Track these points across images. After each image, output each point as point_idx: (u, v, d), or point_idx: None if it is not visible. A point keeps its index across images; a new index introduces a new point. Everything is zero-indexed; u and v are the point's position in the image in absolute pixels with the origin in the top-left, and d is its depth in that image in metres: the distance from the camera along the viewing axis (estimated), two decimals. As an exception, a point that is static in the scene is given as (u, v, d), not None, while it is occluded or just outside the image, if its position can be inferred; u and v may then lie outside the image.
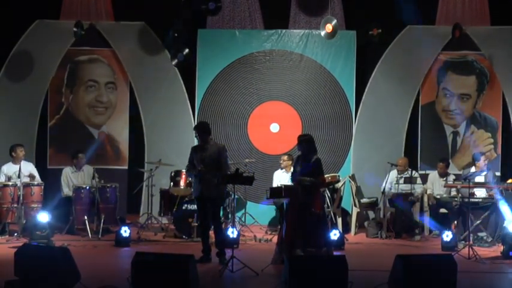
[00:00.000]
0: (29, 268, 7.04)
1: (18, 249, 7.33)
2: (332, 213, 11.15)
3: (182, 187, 10.87)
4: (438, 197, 11.27)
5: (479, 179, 10.61)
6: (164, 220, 11.50)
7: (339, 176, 11.46)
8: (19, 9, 12.25)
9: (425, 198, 11.41)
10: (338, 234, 9.80)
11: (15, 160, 10.93)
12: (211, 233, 9.05)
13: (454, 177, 11.37)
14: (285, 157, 11.48)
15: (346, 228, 11.21)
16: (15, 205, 10.51)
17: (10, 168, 10.92)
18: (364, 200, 11.72)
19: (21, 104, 12.44)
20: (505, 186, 10.45)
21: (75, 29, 11.94)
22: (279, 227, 9.80)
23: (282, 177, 11.35)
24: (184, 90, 12.56)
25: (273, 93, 12.62)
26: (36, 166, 11.50)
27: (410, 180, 11.11)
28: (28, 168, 11.00)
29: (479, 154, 11.18)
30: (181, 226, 10.58)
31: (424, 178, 11.65)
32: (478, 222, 10.41)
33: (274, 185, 11.05)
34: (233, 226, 9.46)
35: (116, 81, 12.82)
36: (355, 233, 11.32)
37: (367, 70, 12.55)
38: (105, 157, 12.71)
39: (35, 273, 6.96)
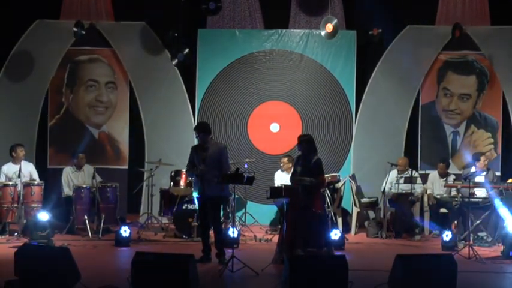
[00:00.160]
0: (29, 268, 7.04)
1: (18, 249, 7.33)
2: (332, 213, 11.15)
3: (182, 187, 10.86)
4: (438, 197, 11.27)
5: (479, 179, 10.61)
6: (164, 220, 11.50)
7: (339, 175, 11.47)
8: (19, 9, 12.25)
9: (426, 198, 11.41)
10: (339, 234, 9.80)
11: (16, 160, 10.93)
12: (212, 232, 9.06)
13: (454, 177, 11.38)
14: (285, 159, 11.47)
15: (346, 228, 11.21)
16: (16, 205, 10.52)
17: (10, 168, 10.92)
18: (364, 200, 11.72)
19: (22, 103, 12.45)
20: (505, 186, 10.44)
21: (75, 29, 11.94)
22: (279, 227, 9.80)
23: (283, 178, 11.34)
24: (185, 90, 12.56)
25: (273, 93, 12.62)
26: (36, 166, 11.51)
27: (410, 180, 11.11)
28: (28, 168, 11.01)
29: (478, 154, 11.18)
30: (181, 226, 10.58)
31: (424, 178, 11.65)
32: (478, 222, 10.42)
33: (276, 185, 11.04)
34: (233, 226, 9.46)
35: (116, 81, 12.82)
36: (355, 233, 11.32)
37: (367, 70, 12.56)
38: (105, 157, 12.71)
39: (35, 273, 6.95)
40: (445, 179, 11.34)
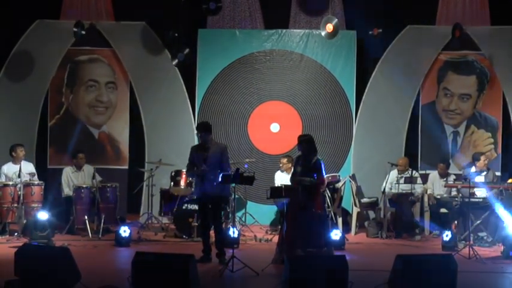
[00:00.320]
0: (29, 268, 7.03)
1: (18, 249, 7.32)
2: (332, 213, 11.15)
3: (182, 187, 10.86)
4: (438, 197, 11.27)
5: (479, 179, 10.60)
6: (164, 220, 11.50)
7: (339, 175, 11.47)
8: (19, 9, 12.25)
9: (426, 198, 11.41)
10: (340, 235, 9.80)
11: (16, 160, 10.93)
12: (212, 232, 9.06)
13: (454, 177, 11.38)
14: (284, 160, 11.47)
15: (346, 228, 11.20)
16: (16, 205, 10.52)
17: (10, 168, 10.92)
18: (364, 200, 11.72)
19: (22, 103, 12.45)
20: (505, 186, 10.44)
21: (75, 29, 11.94)
22: (279, 227, 9.80)
23: (283, 178, 11.35)
24: (185, 90, 12.56)
25: (273, 93, 12.62)
26: (36, 166, 11.52)
27: (410, 180, 11.11)
28: (28, 168, 11.00)
29: (478, 154, 11.18)
30: (181, 226, 10.58)
31: (425, 178, 11.65)
32: (478, 222, 10.41)
33: (277, 185, 11.04)
34: (233, 226, 9.45)
35: (116, 81, 12.82)
36: (356, 233, 11.32)
37: (368, 70, 12.56)
38: (105, 157, 12.71)
39: (35, 273, 6.95)
40: (445, 179, 11.34)
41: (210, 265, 8.63)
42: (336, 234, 9.70)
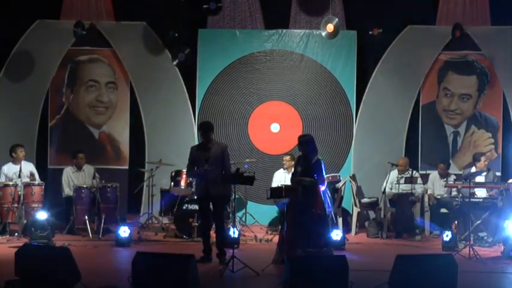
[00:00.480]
0: (30, 268, 7.04)
1: (18, 249, 7.33)
2: (332, 213, 11.14)
3: (183, 187, 10.86)
4: (439, 197, 11.27)
5: (480, 179, 10.60)
6: (165, 220, 11.50)
7: (339, 175, 11.47)
8: (19, 9, 12.25)
9: (426, 198, 11.41)
10: (340, 235, 9.79)
11: (16, 160, 10.93)
12: (212, 232, 9.06)
13: (454, 177, 11.38)
14: (287, 157, 11.48)
15: (346, 228, 11.20)
16: (16, 205, 10.52)
17: (10, 168, 10.92)
18: (364, 200, 11.71)
19: (22, 103, 12.45)
20: (505, 186, 10.44)
21: (75, 29, 11.95)
22: (280, 227, 9.79)
23: (282, 178, 11.35)
24: (185, 90, 12.56)
25: (274, 93, 12.62)
26: (37, 166, 11.51)
27: (410, 180, 11.10)
28: (28, 168, 11.00)
29: (479, 155, 11.17)
30: (181, 226, 10.57)
31: (425, 178, 11.65)
32: (479, 222, 10.41)
33: (274, 185, 11.04)
34: (234, 226, 9.45)
35: (116, 81, 12.82)
36: (356, 233, 11.31)
37: (368, 70, 12.56)
38: (105, 157, 12.71)
39: (36, 273, 6.95)
40: (445, 179, 11.35)
41: (210, 265, 8.63)
42: (336, 235, 9.70)
